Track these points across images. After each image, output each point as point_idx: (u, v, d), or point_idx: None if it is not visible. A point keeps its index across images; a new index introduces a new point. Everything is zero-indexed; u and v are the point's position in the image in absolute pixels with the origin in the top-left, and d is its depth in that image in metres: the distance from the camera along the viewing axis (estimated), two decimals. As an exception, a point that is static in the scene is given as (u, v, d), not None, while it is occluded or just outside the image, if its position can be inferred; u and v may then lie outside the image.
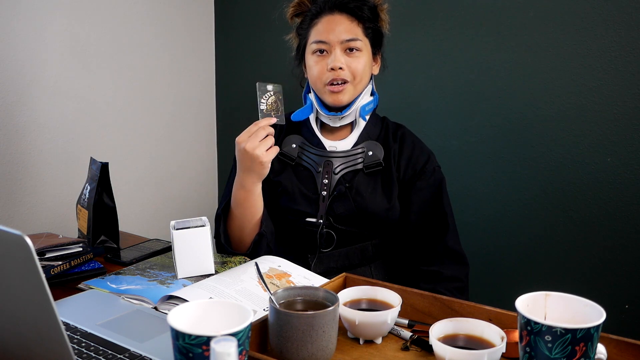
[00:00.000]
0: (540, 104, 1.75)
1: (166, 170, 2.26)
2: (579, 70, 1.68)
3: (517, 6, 1.74)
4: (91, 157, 1.54)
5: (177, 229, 1.24)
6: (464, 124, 1.88)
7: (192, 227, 1.24)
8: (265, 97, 1.30)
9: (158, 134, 2.21)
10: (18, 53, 1.75)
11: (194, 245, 1.23)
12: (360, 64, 1.38)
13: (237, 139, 1.29)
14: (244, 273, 1.18)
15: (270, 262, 1.25)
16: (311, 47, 1.41)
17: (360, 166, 1.41)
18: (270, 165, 1.29)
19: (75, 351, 0.92)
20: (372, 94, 1.47)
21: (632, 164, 1.64)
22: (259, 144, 1.26)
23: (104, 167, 1.46)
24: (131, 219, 2.09)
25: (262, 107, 1.30)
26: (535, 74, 1.74)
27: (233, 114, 2.41)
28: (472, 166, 1.88)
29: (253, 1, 2.27)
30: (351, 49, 1.38)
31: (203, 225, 1.25)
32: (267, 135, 1.28)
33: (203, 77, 2.37)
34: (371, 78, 1.46)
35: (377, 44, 1.45)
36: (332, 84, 1.38)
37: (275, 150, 1.29)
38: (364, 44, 1.39)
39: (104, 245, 1.45)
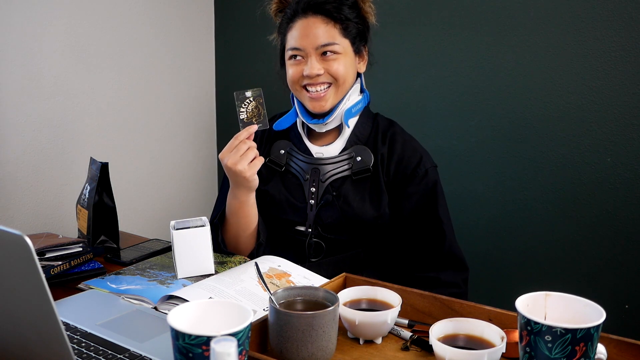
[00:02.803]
0: (540, 104, 1.75)
1: (166, 170, 2.26)
2: (579, 70, 1.68)
3: (517, 6, 1.74)
4: (91, 157, 1.54)
5: (177, 229, 1.24)
6: (464, 124, 1.88)
7: (192, 227, 1.24)
8: (245, 104, 1.27)
9: (158, 134, 2.21)
10: (18, 53, 1.75)
11: (194, 245, 1.23)
12: (341, 66, 1.32)
13: (219, 155, 1.27)
14: (244, 273, 1.18)
15: (270, 262, 1.25)
16: (287, 53, 1.37)
17: (348, 173, 1.36)
18: (256, 178, 1.27)
19: (75, 351, 0.92)
20: (362, 92, 1.42)
21: (632, 164, 1.64)
22: (239, 159, 1.24)
23: (104, 167, 1.46)
24: (131, 219, 2.09)
25: (242, 116, 1.27)
26: (535, 74, 1.74)
27: (233, 114, 2.40)
28: (472, 166, 1.88)
29: (253, 1, 2.27)
30: (327, 52, 1.32)
31: (203, 225, 1.25)
32: (249, 148, 1.25)
33: (203, 77, 2.37)
34: (358, 76, 1.41)
35: (360, 40, 1.38)
36: (309, 90, 1.34)
37: (260, 161, 1.26)
38: (342, 46, 1.33)
39: (104, 245, 1.45)
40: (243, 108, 1.27)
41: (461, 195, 1.89)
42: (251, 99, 1.27)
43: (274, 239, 1.43)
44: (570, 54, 1.69)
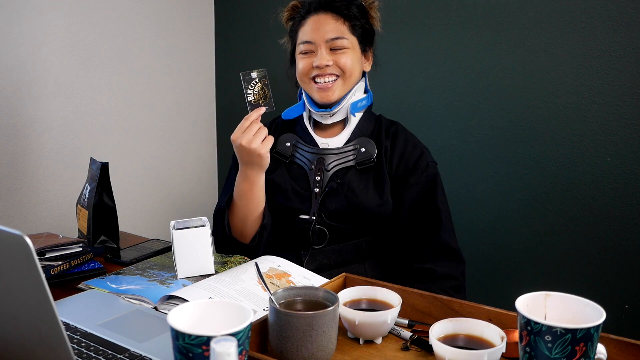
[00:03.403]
0: (540, 104, 1.75)
1: (166, 170, 2.26)
2: (579, 70, 1.68)
3: (517, 6, 1.74)
4: (91, 157, 1.54)
5: (177, 229, 1.24)
6: (463, 124, 1.88)
7: (192, 227, 1.24)
8: (252, 86, 1.30)
9: (158, 133, 2.21)
10: (18, 53, 1.75)
11: (194, 245, 1.23)
12: (348, 59, 1.39)
13: (231, 137, 1.32)
14: (244, 273, 1.18)
15: (270, 262, 1.25)
16: (299, 47, 1.43)
17: (352, 163, 1.41)
18: (269, 155, 1.32)
19: (75, 351, 0.92)
20: (365, 92, 1.48)
21: (632, 164, 1.64)
22: (253, 137, 1.29)
23: (104, 167, 1.46)
24: (131, 219, 2.09)
25: (250, 98, 1.31)
26: (535, 74, 1.74)
27: (233, 114, 2.41)
28: (472, 166, 1.88)
29: (253, 1, 2.27)
30: (337, 48, 1.39)
31: (203, 225, 1.25)
32: (260, 128, 1.30)
33: (203, 77, 2.37)
34: (363, 75, 1.47)
35: (367, 41, 1.45)
36: (317, 81, 1.39)
37: (270, 141, 1.31)
38: (350, 42, 1.40)
39: (104, 245, 1.45)
40: (250, 90, 1.30)
41: (461, 195, 1.89)
42: (257, 80, 1.30)
43: (278, 227, 1.45)
44: (570, 54, 1.69)
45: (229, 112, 2.42)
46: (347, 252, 1.41)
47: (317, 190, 1.40)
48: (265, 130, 1.31)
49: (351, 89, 1.42)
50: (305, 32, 1.41)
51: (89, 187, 1.49)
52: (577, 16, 1.66)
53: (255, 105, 1.32)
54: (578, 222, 1.73)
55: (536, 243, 1.80)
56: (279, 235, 1.46)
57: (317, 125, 1.48)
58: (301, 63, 1.42)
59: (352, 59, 1.40)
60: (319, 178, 1.41)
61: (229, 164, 1.56)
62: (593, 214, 1.71)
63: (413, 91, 1.96)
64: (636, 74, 1.60)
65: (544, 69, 1.73)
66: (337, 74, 1.39)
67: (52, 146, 1.86)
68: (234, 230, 1.40)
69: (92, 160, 1.51)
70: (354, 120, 1.44)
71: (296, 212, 1.41)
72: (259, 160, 1.31)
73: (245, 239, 1.40)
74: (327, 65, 1.38)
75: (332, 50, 1.39)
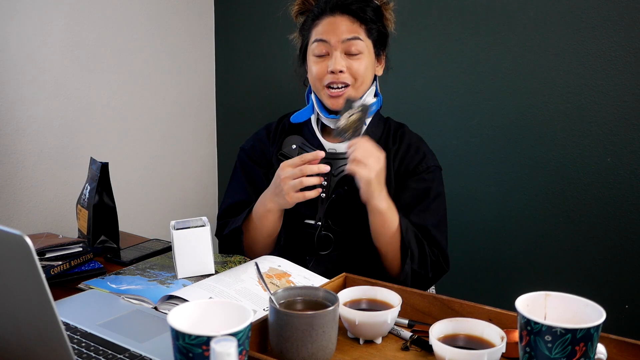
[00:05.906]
0: (540, 104, 1.75)
1: (166, 170, 2.26)
2: (579, 70, 1.68)
3: (517, 6, 1.74)
4: (91, 157, 1.54)
5: (177, 229, 1.24)
6: (464, 124, 1.88)
7: (192, 227, 1.24)
8: (349, 113, 1.21)
9: (158, 134, 2.21)
10: (18, 53, 1.75)
11: (194, 245, 1.23)
12: (362, 66, 1.36)
13: (282, 163, 1.27)
14: (244, 273, 1.18)
15: (270, 262, 1.25)
16: (312, 46, 1.39)
17: None
18: (291, 204, 1.26)
19: (75, 351, 0.92)
20: (375, 95, 1.45)
21: (632, 164, 1.64)
22: (289, 177, 1.23)
23: (104, 167, 1.46)
24: (131, 219, 2.09)
25: (341, 122, 1.20)
26: (535, 74, 1.74)
27: (233, 114, 2.41)
28: (472, 166, 1.88)
29: (253, 1, 2.27)
30: (353, 53, 1.36)
31: (203, 225, 1.25)
32: (305, 175, 1.23)
33: (203, 77, 2.37)
34: (375, 79, 1.45)
35: (381, 44, 1.43)
36: (330, 88, 1.36)
37: (302, 196, 1.24)
38: (365, 45, 1.37)
39: (104, 245, 1.45)
40: (346, 115, 1.20)
41: (461, 195, 1.89)
42: (356, 110, 1.20)
43: (283, 231, 1.43)
44: (570, 54, 1.69)
45: (229, 112, 2.42)
46: (352, 258, 1.39)
47: (324, 195, 1.37)
48: (307, 181, 1.23)
49: (362, 95, 1.39)
50: (319, 32, 1.38)
51: (89, 187, 1.49)
52: (577, 16, 1.66)
53: (339, 133, 1.23)
54: (578, 222, 1.73)
55: (536, 243, 1.80)
56: (284, 240, 1.44)
57: (324, 129, 1.45)
58: (315, 67, 1.38)
59: (366, 64, 1.37)
60: (325, 183, 1.39)
61: (229, 164, 1.55)
62: (593, 214, 1.71)
63: (413, 91, 1.96)
64: (636, 73, 1.60)
65: (544, 69, 1.73)
66: (349, 83, 1.36)
67: (52, 146, 1.86)
68: (245, 243, 1.38)
69: (92, 160, 1.51)
70: (365, 125, 1.41)
71: (301, 217, 1.40)
72: (282, 199, 1.25)
73: (254, 255, 1.38)
74: (341, 72, 1.34)
75: (347, 55, 1.36)
